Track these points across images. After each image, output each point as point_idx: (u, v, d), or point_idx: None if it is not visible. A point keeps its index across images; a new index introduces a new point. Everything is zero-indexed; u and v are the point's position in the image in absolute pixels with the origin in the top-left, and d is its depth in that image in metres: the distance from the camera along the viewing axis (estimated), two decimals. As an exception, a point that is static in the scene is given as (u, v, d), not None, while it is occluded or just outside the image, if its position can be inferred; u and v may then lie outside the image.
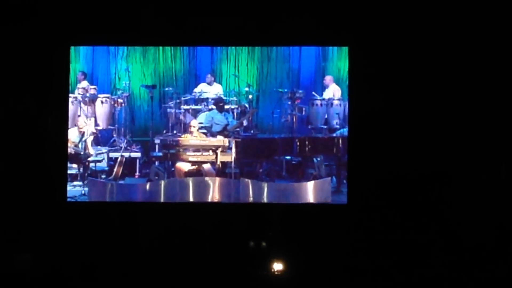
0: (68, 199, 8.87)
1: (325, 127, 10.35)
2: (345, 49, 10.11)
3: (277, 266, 8.03)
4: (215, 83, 10.93)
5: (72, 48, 10.32)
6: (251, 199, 8.98)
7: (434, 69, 8.37)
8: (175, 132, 10.31)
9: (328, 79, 10.64)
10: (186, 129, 10.13)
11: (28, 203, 8.38)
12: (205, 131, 10.12)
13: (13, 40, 8.48)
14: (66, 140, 8.88)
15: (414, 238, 8.14)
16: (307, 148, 9.63)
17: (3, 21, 8.47)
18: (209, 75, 10.95)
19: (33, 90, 8.50)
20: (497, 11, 8.27)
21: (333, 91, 10.52)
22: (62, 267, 8.05)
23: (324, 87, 10.69)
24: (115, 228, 8.36)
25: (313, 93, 10.58)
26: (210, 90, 10.86)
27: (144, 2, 8.54)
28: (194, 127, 9.89)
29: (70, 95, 10.17)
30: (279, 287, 8.00)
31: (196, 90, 10.82)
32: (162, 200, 8.97)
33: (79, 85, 10.63)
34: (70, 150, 9.47)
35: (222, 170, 9.48)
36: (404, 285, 7.84)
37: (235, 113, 10.57)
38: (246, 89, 10.83)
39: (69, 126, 9.84)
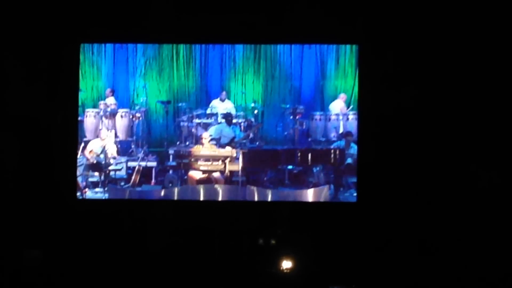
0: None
1: (324, 139, 10.68)
2: (342, 68, 10.83)
3: (286, 264, 8.11)
4: (227, 100, 11.17)
5: (95, 66, 10.93)
6: (256, 204, 9.28)
7: (439, 69, 8.36)
8: (187, 143, 10.55)
9: (344, 97, 10.92)
10: (197, 140, 10.33)
11: (37, 200, 8.42)
12: (215, 142, 10.31)
13: (23, 37, 8.49)
14: (76, 136, 8.97)
15: (423, 237, 8.21)
16: (307, 159, 9.83)
17: (12, 17, 8.45)
18: (224, 92, 11.18)
19: (44, 86, 8.54)
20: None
21: (339, 107, 10.87)
22: (72, 263, 8.18)
23: (325, 103, 11.05)
24: (124, 225, 8.49)
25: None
26: (222, 105, 11.11)
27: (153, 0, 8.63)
28: (205, 139, 10.11)
29: (92, 110, 10.63)
30: (288, 284, 8.05)
31: (211, 105, 11.11)
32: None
33: (102, 101, 10.93)
34: (93, 159, 9.87)
35: (230, 178, 9.76)
36: (412, 283, 7.93)
37: (242, 127, 10.84)
38: (252, 104, 11.14)
39: (92, 138, 10.31)
